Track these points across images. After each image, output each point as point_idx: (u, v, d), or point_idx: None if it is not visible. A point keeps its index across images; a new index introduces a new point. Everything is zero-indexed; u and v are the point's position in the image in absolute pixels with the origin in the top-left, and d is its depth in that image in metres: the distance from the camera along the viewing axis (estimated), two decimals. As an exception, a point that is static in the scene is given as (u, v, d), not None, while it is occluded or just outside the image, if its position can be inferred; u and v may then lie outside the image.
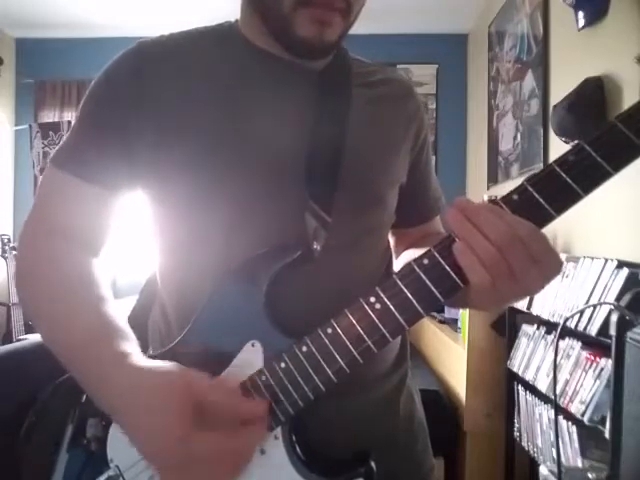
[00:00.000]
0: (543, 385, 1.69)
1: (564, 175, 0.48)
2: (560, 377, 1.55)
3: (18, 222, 3.83)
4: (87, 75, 0.70)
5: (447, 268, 0.51)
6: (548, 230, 0.48)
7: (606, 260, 1.48)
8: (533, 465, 1.96)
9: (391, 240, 0.82)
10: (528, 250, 0.47)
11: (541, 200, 0.48)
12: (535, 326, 1.86)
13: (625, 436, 0.92)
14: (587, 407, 1.40)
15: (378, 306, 0.53)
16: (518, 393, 1.95)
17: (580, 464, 1.46)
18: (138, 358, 0.55)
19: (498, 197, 0.50)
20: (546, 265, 0.48)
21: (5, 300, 3.37)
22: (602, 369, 1.39)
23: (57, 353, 0.59)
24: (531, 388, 1.82)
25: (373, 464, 0.59)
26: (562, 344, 1.59)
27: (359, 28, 0.66)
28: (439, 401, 2.23)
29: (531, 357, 1.83)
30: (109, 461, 0.62)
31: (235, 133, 0.62)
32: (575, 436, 1.51)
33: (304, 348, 0.57)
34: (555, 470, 1.09)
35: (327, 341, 0.55)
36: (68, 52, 3.86)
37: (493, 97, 3.16)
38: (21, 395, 0.73)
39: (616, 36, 1.77)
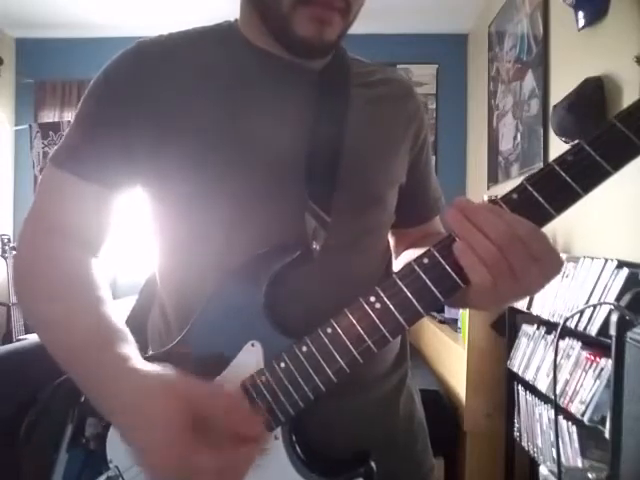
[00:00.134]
0: (543, 385, 1.69)
1: (563, 174, 0.48)
2: (560, 377, 1.55)
3: (18, 222, 3.82)
4: (87, 75, 0.70)
5: (447, 268, 0.51)
6: (548, 230, 0.48)
7: (606, 260, 1.48)
8: (533, 465, 1.96)
9: (391, 240, 0.82)
10: (528, 249, 0.47)
11: (541, 199, 0.48)
12: (535, 326, 1.86)
13: (625, 436, 0.92)
14: (587, 407, 1.40)
15: (378, 306, 0.53)
16: (518, 393, 1.95)
17: (580, 464, 1.46)
18: (138, 362, 0.54)
19: (498, 197, 0.50)
20: (546, 264, 0.48)
21: (5, 300, 3.37)
22: (602, 369, 1.39)
23: (55, 354, 0.59)
24: (531, 388, 1.82)
25: (373, 464, 0.59)
26: (562, 344, 1.59)
27: (359, 28, 0.66)
28: (439, 401, 2.23)
29: (531, 357, 1.83)
30: (108, 462, 0.62)
31: (235, 133, 0.62)
32: (575, 436, 1.51)
33: (304, 348, 0.56)
34: (555, 470, 1.09)
35: (327, 341, 0.55)
36: (68, 52, 3.86)
37: (493, 97, 3.16)
38: (21, 395, 0.73)
39: (616, 36, 1.77)
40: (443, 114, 3.81)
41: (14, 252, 3.31)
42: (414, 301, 0.52)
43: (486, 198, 2.17)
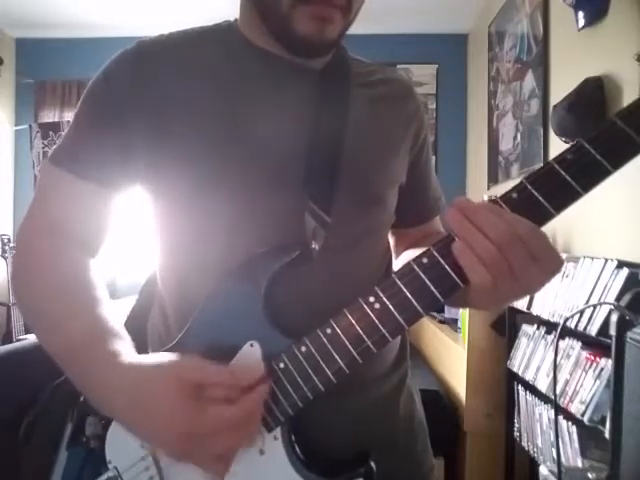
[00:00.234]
0: (543, 385, 1.69)
1: (563, 173, 0.47)
2: (560, 377, 1.55)
3: (18, 222, 3.81)
4: (87, 75, 0.70)
5: (447, 267, 0.50)
6: (548, 229, 0.47)
7: (606, 260, 1.47)
8: (533, 465, 1.96)
9: (391, 240, 0.82)
10: (528, 248, 0.47)
11: (540, 198, 0.48)
12: (535, 326, 1.86)
13: (625, 436, 0.92)
14: (587, 407, 1.40)
15: (377, 306, 0.53)
16: (518, 393, 1.95)
17: (580, 464, 1.46)
18: (130, 356, 0.56)
19: (498, 197, 0.50)
20: (546, 263, 0.48)
21: (5, 300, 3.37)
22: (602, 369, 1.39)
23: (52, 354, 0.59)
24: (531, 388, 1.82)
25: (373, 464, 0.59)
26: (562, 344, 1.59)
27: (359, 28, 0.66)
28: (439, 401, 2.23)
29: (531, 357, 1.83)
30: (107, 462, 0.62)
31: (235, 132, 0.62)
32: (575, 436, 1.50)
33: (303, 348, 0.56)
34: (555, 470, 1.09)
35: (326, 341, 0.55)
36: (68, 52, 3.86)
37: (493, 97, 3.16)
38: (21, 395, 0.73)
39: (616, 36, 1.77)
40: (443, 114, 3.81)
41: (14, 252, 3.31)
42: (413, 301, 0.52)
43: (486, 198, 2.16)
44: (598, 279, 1.48)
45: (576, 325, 1.48)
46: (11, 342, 2.97)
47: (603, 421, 1.35)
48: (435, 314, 2.79)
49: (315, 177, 0.63)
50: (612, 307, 1.14)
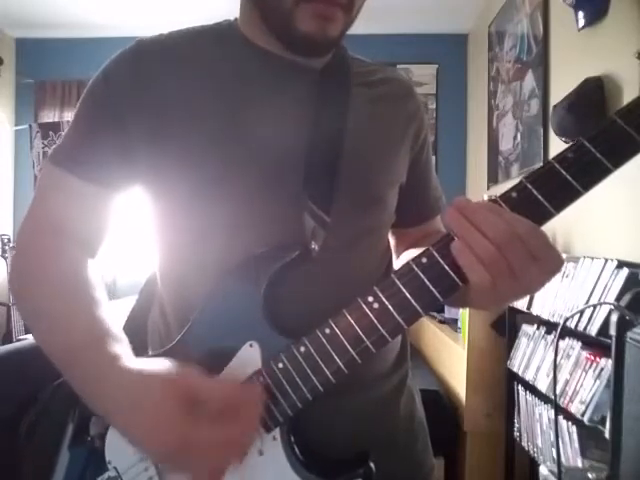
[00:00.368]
0: (543, 385, 1.69)
1: (563, 172, 0.47)
2: (560, 377, 1.55)
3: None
4: (87, 75, 0.70)
5: (446, 267, 0.50)
6: (548, 229, 0.47)
7: (606, 260, 1.47)
8: (533, 465, 1.96)
9: (391, 240, 0.82)
10: (527, 247, 0.46)
11: (540, 197, 0.48)
12: (535, 326, 1.86)
13: (625, 436, 0.92)
14: (587, 407, 1.40)
15: (376, 306, 0.53)
16: (518, 393, 1.95)
17: (580, 464, 1.45)
18: (128, 359, 0.55)
19: (498, 196, 0.50)
20: (546, 262, 0.48)
21: (5, 300, 3.37)
22: (602, 369, 1.39)
23: (49, 354, 0.59)
24: (531, 388, 1.82)
25: (372, 465, 0.59)
26: (562, 344, 1.59)
27: (359, 28, 0.66)
28: (439, 401, 2.23)
29: (531, 357, 1.83)
30: (107, 463, 0.62)
31: (235, 132, 0.62)
32: (575, 436, 1.50)
33: (302, 349, 0.56)
34: (555, 470, 1.09)
35: (325, 341, 0.55)
36: (68, 52, 3.86)
37: (493, 97, 3.16)
38: (21, 395, 0.72)
39: (616, 36, 1.77)
40: (443, 114, 3.81)
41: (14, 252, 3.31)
42: (412, 301, 0.52)
43: (486, 198, 2.16)
44: (598, 279, 1.48)
45: (576, 325, 1.48)
46: (11, 342, 2.97)
47: (603, 421, 1.35)
48: (435, 314, 2.79)
49: (315, 177, 0.63)
50: (612, 307, 1.14)
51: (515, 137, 2.74)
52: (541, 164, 0.49)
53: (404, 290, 0.52)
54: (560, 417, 1.54)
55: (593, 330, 1.41)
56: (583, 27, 1.94)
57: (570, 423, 1.53)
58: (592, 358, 1.44)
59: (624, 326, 0.96)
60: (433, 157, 0.86)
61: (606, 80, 1.79)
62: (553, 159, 0.48)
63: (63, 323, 0.59)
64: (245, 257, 0.61)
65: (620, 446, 0.93)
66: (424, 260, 0.52)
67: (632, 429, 0.90)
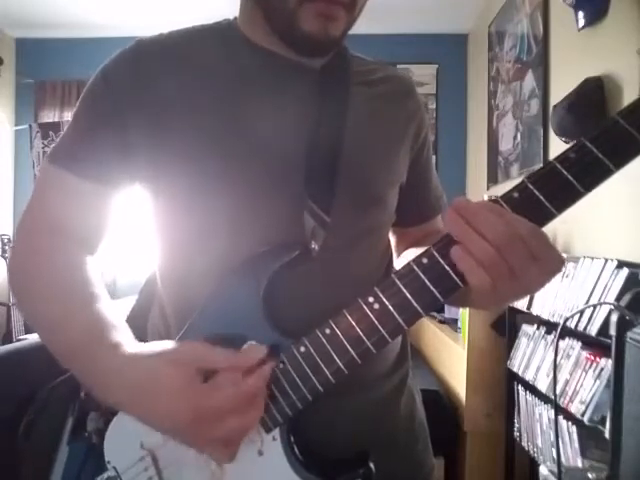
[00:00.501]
0: (543, 385, 1.69)
1: (565, 172, 0.47)
2: (560, 377, 1.54)
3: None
4: (87, 75, 0.70)
5: (446, 267, 0.50)
6: (548, 230, 0.47)
7: (606, 260, 1.47)
8: (533, 465, 1.96)
9: (392, 239, 0.82)
10: (528, 248, 0.46)
11: (541, 198, 0.48)
12: (535, 326, 1.86)
13: (625, 436, 0.92)
14: (587, 407, 1.40)
15: (377, 306, 0.53)
16: (518, 393, 1.95)
17: (580, 464, 1.45)
18: (131, 346, 0.56)
19: (498, 197, 0.50)
20: (547, 263, 0.48)
21: (5, 300, 3.37)
22: (602, 369, 1.39)
23: (55, 353, 0.60)
24: (531, 388, 1.82)
25: (372, 465, 0.59)
26: (562, 344, 1.59)
27: (359, 28, 0.66)
28: (439, 401, 2.23)
29: (531, 357, 1.82)
30: (106, 462, 0.62)
31: (235, 131, 0.62)
32: (575, 436, 1.50)
33: (302, 349, 0.56)
34: (555, 470, 1.09)
35: (325, 342, 0.55)
36: (68, 52, 3.86)
37: (493, 97, 3.16)
38: (21, 395, 0.72)
39: (616, 36, 1.77)
40: (443, 114, 3.81)
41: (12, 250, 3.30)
42: (413, 301, 0.52)
43: (486, 198, 2.16)
44: (598, 279, 1.47)
45: (576, 325, 1.48)
46: (11, 342, 2.97)
47: (603, 421, 1.35)
48: (435, 314, 2.79)
49: (315, 176, 0.63)
50: (612, 307, 1.14)
51: (515, 137, 2.74)
52: (541, 164, 0.49)
53: (405, 290, 0.52)
54: (560, 417, 1.54)
55: (593, 330, 1.41)
56: (583, 27, 1.94)
57: (570, 423, 1.53)
58: (592, 358, 1.44)
59: (624, 326, 0.95)
60: (433, 157, 0.86)
61: (606, 80, 1.79)
62: (555, 159, 0.48)
63: (62, 322, 0.59)
64: (245, 256, 0.61)
65: (620, 446, 0.93)
66: (425, 260, 0.51)
67: (632, 429, 0.90)
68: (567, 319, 1.35)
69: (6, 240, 3.40)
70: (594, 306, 1.43)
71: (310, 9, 0.60)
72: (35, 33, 3.87)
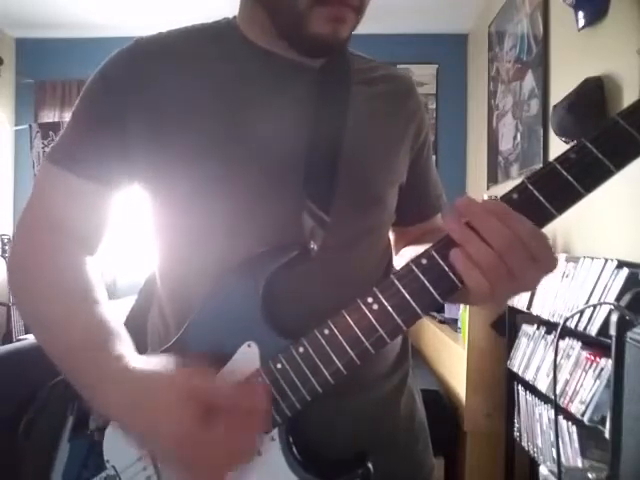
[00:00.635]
0: (543, 385, 1.69)
1: (565, 173, 0.47)
2: (560, 377, 1.54)
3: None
4: (87, 75, 0.70)
5: (446, 269, 0.50)
6: (548, 230, 0.47)
7: (606, 260, 1.47)
8: (533, 465, 1.96)
9: (391, 237, 0.81)
10: (529, 251, 0.46)
11: (541, 199, 0.47)
12: (535, 326, 1.86)
13: (625, 436, 0.92)
14: (587, 407, 1.40)
15: (375, 307, 0.53)
16: (518, 393, 1.95)
17: (580, 464, 1.45)
18: (134, 360, 0.55)
19: (498, 197, 0.50)
20: (544, 263, 0.48)
21: (5, 300, 3.37)
22: (602, 369, 1.39)
23: (51, 355, 0.59)
24: (531, 388, 1.82)
25: (370, 466, 0.59)
26: (562, 344, 1.59)
27: (359, 28, 0.66)
28: (439, 401, 2.23)
29: (531, 357, 1.82)
30: (105, 462, 0.62)
31: (234, 131, 0.62)
32: (575, 436, 1.50)
33: (301, 349, 0.56)
34: (555, 470, 1.09)
35: (324, 342, 0.55)
36: (68, 52, 3.86)
37: (493, 97, 3.16)
38: (21, 395, 0.72)
39: (616, 36, 1.77)
40: (443, 114, 3.81)
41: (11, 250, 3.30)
42: (412, 302, 0.52)
43: (486, 198, 2.17)
44: (598, 279, 1.47)
45: (576, 325, 1.48)
46: (11, 342, 2.97)
47: (603, 421, 1.35)
48: (435, 314, 2.79)
49: (314, 176, 0.63)
50: (612, 307, 1.14)
51: (515, 137, 2.74)
52: (541, 164, 0.49)
53: (403, 291, 0.52)
54: (560, 417, 1.54)
55: (593, 330, 1.41)
56: (583, 27, 1.94)
57: (570, 423, 1.53)
58: (592, 358, 1.44)
59: (624, 326, 0.95)
60: (433, 157, 0.86)
61: (606, 80, 1.78)
62: (555, 160, 0.48)
63: (63, 324, 0.59)
64: (244, 257, 0.61)
65: (620, 446, 0.93)
66: (424, 261, 0.51)
67: (632, 429, 0.90)
68: (567, 319, 1.35)
69: (6, 240, 3.39)
70: (594, 306, 1.43)
71: (322, 13, 0.59)
72: (35, 33, 3.87)
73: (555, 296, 1.68)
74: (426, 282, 0.51)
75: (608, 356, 1.35)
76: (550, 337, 1.75)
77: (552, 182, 0.47)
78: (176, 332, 0.63)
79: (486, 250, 0.46)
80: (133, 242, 3.44)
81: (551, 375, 1.65)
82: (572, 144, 0.48)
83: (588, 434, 1.46)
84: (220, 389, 0.53)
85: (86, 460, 0.63)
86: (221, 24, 0.71)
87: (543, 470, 1.18)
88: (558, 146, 2.10)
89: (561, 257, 1.75)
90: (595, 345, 1.45)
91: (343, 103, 0.67)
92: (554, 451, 1.48)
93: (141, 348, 0.71)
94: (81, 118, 0.67)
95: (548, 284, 1.74)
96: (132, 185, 0.68)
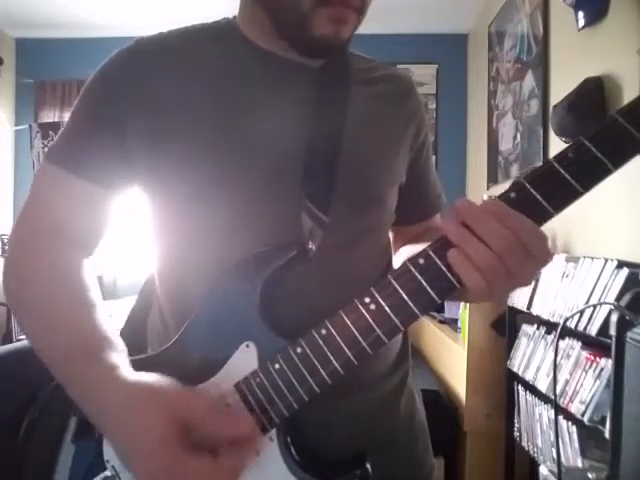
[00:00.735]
0: (543, 385, 1.69)
1: (563, 171, 0.47)
2: (560, 377, 1.54)
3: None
4: (87, 75, 0.70)
5: (443, 268, 0.50)
6: (547, 229, 0.47)
7: (606, 260, 1.47)
8: (533, 465, 1.96)
9: (390, 235, 0.82)
10: (528, 250, 0.46)
11: (539, 197, 0.47)
12: (535, 326, 1.86)
13: (625, 436, 0.92)
14: (587, 407, 1.40)
15: (373, 307, 0.53)
16: (518, 393, 1.95)
17: (580, 464, 1.45)
18: (125, 372, 0.54)
19: (496, 197, 0.50)
20: (540, 259, 0.48)
21: (5, 300, 3.37)
22: (602, 369, 1.39)
23: (45, 358, 0.58)
24: (531, 388, 1.82)
25: (369, 466, 0.59)
26: (562, 344, 1.59)
27: (359, 28, 0.66)
28: (439, 401, 2.23)
29: (531, 357, 1.82)
30: (105, 462, 0.62)
31: (234, 132, 0.62)
32: (575, 436, 1.50)
33: (298, 349, 0.56)
34: (555, 470, 1.09)
35: (321, 342, 0.55)
36: (68, 52, 3.86)
37: (493, 97, 3.16)
38: (21, 395, 0.72)
39: (616, 36, 1.77)
40: (443, 114, 3.81)
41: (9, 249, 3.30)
42: (409, 302, 0.51)
43: (486, 198, 2.17)
44: (598, 279, 1.47)
45: (576, 325, 1.48)
46: (11, 342, 2.96)
47: (603, 421, 1.35)
48: (435, 314, 2.79)
49: (313, 177, 0.63)
50: (612, 307, 1.14)
51: (515, 137, 2.74)
52: (541, 164, 0.49)
53: (400, 291, 0.51)
54: (560, 417, 1.54)
55: (593, 330, 1.40)
56: (583, 27, 1.94)
57: (570, 423, 1.53)
58: (592, 358, 1.44)
59: (624, 326, 0.95)
60: (433, 157, 0.86)
61: (606, 80, 1.78)
62: (552, 158, 0.47)
63: (59, 328, 0.58)
64: (242, 257, 0.61)
65: (620, 446, 0.93)
66: (421, 261, 0.51)
67: (632, 429, 0.90)
68: (567, 319, 1.34)
69: (6, 240, 3.40)
70: (594, 306, 1.43)
71: (324, 14, 0.59)
72: (35, 33, 3.88)
73: (555, 296, 1.68)
74: (423, 282, 0.51)
75: (608, 356, 1.35)
76: (550, 337, 1.75)
77: (550, 181, 0.47)
78: (175, 332, 0.63)
79: (485, 251, 0.46)
80: (133, 242, 3.44)
81: (551, 375, 1.65)
82: (571, 142, 0.48)
83: (588, 434, 1.46)
84: (210, 418, 0.51)
85: (92, 461, 0.63)
86: (221, 24, 0.71)
87: (543, 470, 1.18)
88: (558, 146, 2.10)
89: (561, 257, 1.75)
90: (595, 345, 1.45)
91: (343, 103, 0.67)
92: (554, 451, 1.48)
93: (141, 347, 0.72)
94: (81, 118, 0.66)
95: (548, 284, 1.74)
96: (131, 187, 0.67)
